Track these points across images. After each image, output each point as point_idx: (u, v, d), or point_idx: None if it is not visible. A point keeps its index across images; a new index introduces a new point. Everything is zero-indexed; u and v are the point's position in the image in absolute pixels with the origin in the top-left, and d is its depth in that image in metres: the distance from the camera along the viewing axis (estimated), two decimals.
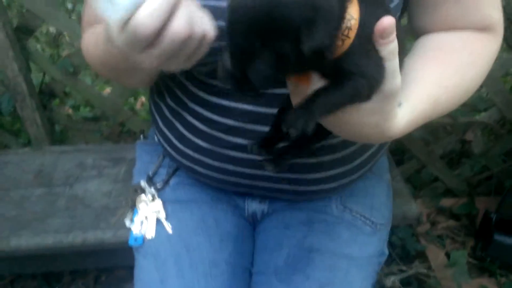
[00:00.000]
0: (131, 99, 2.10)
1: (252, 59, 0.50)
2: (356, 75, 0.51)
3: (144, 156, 1.07)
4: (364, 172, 0.90)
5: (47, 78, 1.66)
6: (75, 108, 1.85)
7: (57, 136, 1.77)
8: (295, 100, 0.57)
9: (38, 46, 1.76)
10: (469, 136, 1.68)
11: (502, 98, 1.63)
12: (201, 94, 0.80)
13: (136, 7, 0.47)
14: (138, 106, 2.18)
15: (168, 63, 0.54)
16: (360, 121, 0.56)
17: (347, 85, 0.52)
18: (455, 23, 0.72)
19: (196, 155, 0.86)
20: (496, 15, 0.74)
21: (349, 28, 0.49)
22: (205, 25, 0.54)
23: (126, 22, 0.47)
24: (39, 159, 1.58)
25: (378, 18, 0.49)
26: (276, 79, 0.52)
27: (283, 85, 0.58)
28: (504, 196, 1.66)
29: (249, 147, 0.71)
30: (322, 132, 0.66)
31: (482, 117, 1.68)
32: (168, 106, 0.89)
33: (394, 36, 0.50)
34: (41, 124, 1.64)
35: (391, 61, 0.51)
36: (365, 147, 0.86)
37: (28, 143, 1.82)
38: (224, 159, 0.83)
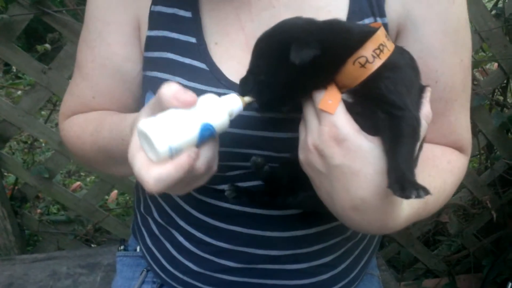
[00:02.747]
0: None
1: (253, 74, 0.59)
2: (400, 109, 0.54)
3: (125, 271, 1.01)
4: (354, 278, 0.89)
5: (19, 184, 1.62)
6: (47, 211, 1.79)
7: (28, 242, 1.69)
8: (317, 133, 0.57)
9: (11, 152, 1.73)
10: (443, 218, 1.72)
11: (471, 180, 1.70)
12: (195, 213, 0.79)
13: (170, 155, 0.53)
14: (110, 200, 2.14)
15: (174, 189, 0.56)
16: (376, 207, 0.57)
17: (404, 128, 0.54)
18: (432, 141, 0.76)
19: (186, 278, 0.82)
20: (468, 138, 0.80)
21: (368, 60, 0.55)
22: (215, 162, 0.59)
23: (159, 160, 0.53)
24: (9, 270, 1.49)
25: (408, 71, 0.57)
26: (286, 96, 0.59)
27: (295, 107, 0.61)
28: (486, 276, 1.67)
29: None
30: (296, 186, 0.68)
31: (454, 199, 1.74)
32: (156, 222, 0.87)
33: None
34: (11, 232, 1.57)
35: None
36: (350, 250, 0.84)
37: None
38: (214, 282, 0.80)
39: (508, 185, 1.75)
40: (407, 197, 0.49)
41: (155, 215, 0.87)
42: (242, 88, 0.61)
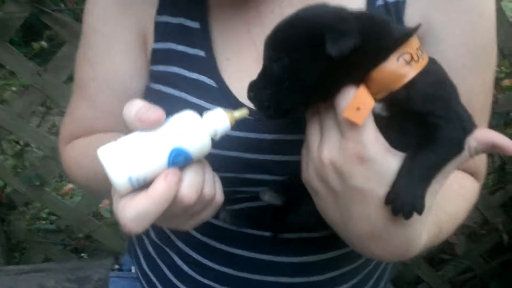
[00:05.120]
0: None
1: (269, 71, 0.49)
2: (440, 118, 0.47)
3: None
4: None
5: (8, 189, 1.54)
6: (35, 219, 1.72)
7: (15, 249, 1.62)
8: (338, 147, 0.49)
9: (1, 157, 1.66)
10: (451, 238, 1.66)
11: (482, 199, 1.65)
12: (195, 234, 0.72)
13: (133, 187, 0.47)
14: (103, 205, 2.06)
15: (169, 223, 0.52)
16: (397, 236, 0.51)
17: (441, 135, 0.47)
18: None
19: None
20: (483, 163, 0.75)
21: (413, 57, 0.47)
22: (216, 189, 0.54)
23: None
24: None
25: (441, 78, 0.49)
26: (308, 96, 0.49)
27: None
28: None
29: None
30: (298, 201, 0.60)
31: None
32: (152, 242, 0.81)
33: None
34: None
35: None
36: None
37: None
38: None
39: None
40: (405, 217, 0.46)
41: (152, 234, 0.81)
42: (255, 93, 0.52)
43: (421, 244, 0.54)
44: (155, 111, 0.47)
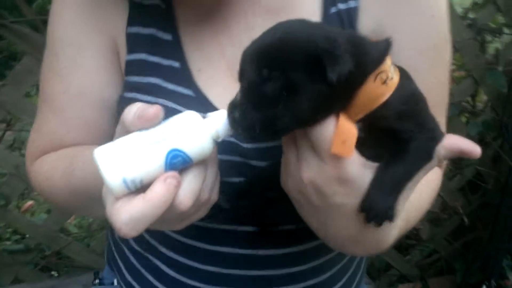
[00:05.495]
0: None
1: (260, 90, 0.45)
2: (413, 133, 0.48)
3: None
4: None
5: None
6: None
7: None
8: (317, 170, 0.49)
9: None
10: (416, 224, 1.74)
11: (441, 185, 1.73)
12: (178, 237, 0.72)
13: (128, 190, 0.46)
14: (70, 221, 1.99)
15: (159, 225, 0.50)
16: (374, 237, 0.54)
17: (410, 147, 0.49)
18: None
19: None
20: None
21: (388, 75, 0.47)
22: (213, 191, 0.53)
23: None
24: None
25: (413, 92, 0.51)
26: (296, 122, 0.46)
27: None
28: (462, 279, 1.71)
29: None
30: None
31: None
32: (133, 250, 0.79)
33: None
34: None
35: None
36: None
37: None
38: None
39: (476, 190, 1.81)
40: (377, 224, 0.50)
41: (131, 242, 0.79)
42: (242, 115, 0.47)
43: (391, 239, 0.58)
44: (153, 107, 0.47)
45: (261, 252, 0.71)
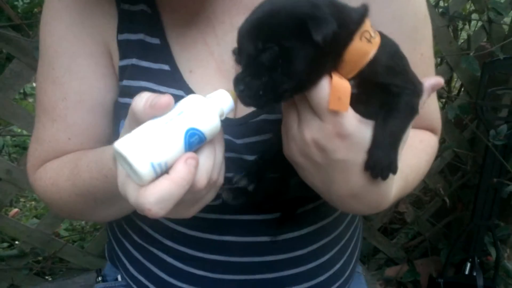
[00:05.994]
0: None
1: (258, 61, 0.50)
2: (400, 88, 0.53)
3: None
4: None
5: None
6: None
7: None
8: (318, 129, 0.53)
9: None
10: (401, 208, 1.80)
11: None
12: (181, 229, 0.74)
13: (155, 174, 0.47)
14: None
15: (176, 210, 0.51)
16: (373, 191, 0.58)
17: (401, 103, 0.53)
18: None
19: None
20: (437, 119, 0.84)
21: (371, 35, 0.52)
22: (220, 172, 0.55)
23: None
24: None
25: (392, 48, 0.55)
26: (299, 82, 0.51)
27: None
28: (447, 259, 1.77)
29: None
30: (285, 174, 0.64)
31: None
32: (136, 245, 0.81)
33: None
34: None
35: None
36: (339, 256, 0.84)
37: None
38: None
39: (456, 172, 1.88)
40: (383, 178, 0.55)
41: (134, 237, 0.81)
42: (246, 85, 0.51)
43: (392, 197, 0.62)
44: (165, 96, 0.49)
45: (261, 239, 0.73)
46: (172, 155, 0.47)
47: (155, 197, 0.47)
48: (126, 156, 0.46)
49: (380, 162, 0.54)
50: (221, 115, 0.53)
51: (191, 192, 0.50)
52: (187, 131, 0.48)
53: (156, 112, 0.49)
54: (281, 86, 0.50)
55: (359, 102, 0.53)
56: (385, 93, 0.54)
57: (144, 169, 0.46)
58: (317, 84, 0.51)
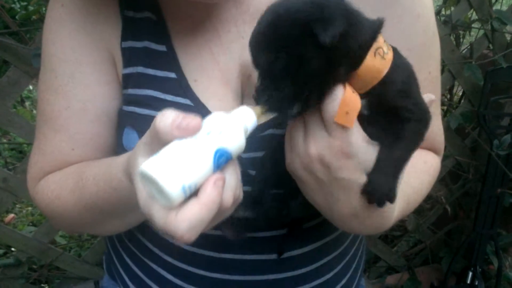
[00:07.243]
0: None
1: (272, 72, 0.49)
2: (411, 113, 0.52)
3: None
4: None
5: None
6: None
7: None
8: (325, 144, 0.52)
9: None
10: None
11: None
12: (180, 244, 0.71)
13: (185, 196, 0.46)
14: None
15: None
16: (375, 213, 0.57)
17: (409, 131, 0.52)
18: None
19: None
20: (441, 140, 0.82)
21: (384, 51, 0.50)
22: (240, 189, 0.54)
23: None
24: None
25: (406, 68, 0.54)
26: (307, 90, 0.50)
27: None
28: (448, 269, 1.76)
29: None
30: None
31: None
32: (135, 260, 0.79)
33: None
34: None
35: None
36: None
37: None
38: None
39: (457, 180, 1.86)
40: (379, 206, 0.54)
41: (134, 249, 0.80)
42: (269, 96, 0.51)
43: (393, 219, 0.62)
44: (194, 118, 0.47)
45: (263, 257, 0.72)
46: (201, 176, 0.46)
47: (186, 224, 0.46)
48: (155, 178, 0.44)
49: (379, 189, 0.53)
50: (245, 133, 0.51)
51: (217, 212, 0.48)
52: (216, 151, 0.47)
53: (184, 134, 0.47)
54: (298, 93, 0.50)
55: (367, 124, 0.52)
56: (395, 116, 0.52)
57: (175, 191, 0.45)
58: (331, 92, 0.50)
